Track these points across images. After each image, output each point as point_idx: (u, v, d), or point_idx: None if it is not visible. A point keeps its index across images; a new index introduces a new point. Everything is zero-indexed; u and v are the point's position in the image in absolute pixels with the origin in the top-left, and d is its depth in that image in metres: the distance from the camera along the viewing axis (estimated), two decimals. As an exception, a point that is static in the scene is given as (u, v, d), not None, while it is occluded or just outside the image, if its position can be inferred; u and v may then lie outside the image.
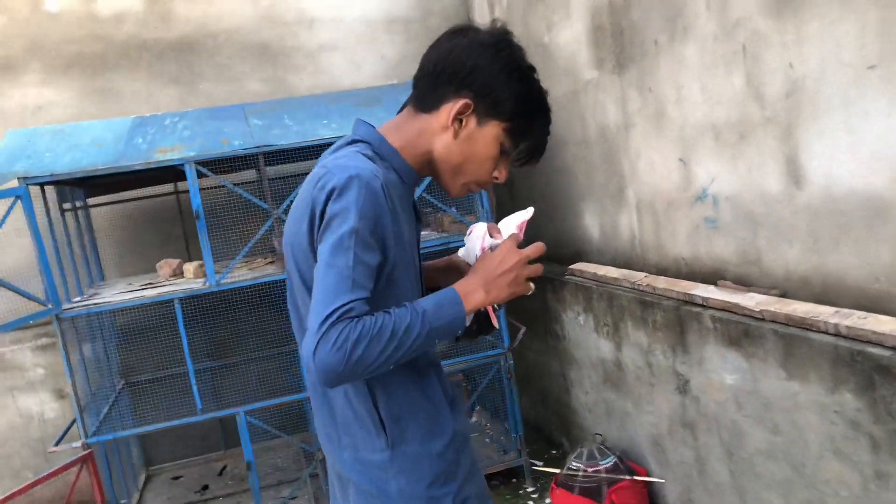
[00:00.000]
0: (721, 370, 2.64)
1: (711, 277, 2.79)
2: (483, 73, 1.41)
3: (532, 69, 1.47)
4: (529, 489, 3.83)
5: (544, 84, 1.50)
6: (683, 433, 2.95)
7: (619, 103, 3.21)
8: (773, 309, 2.36)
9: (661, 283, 3.00)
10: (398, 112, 1.54)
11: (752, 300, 2.48)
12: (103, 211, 4.41)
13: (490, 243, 1.51)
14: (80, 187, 4.16)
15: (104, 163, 3.34)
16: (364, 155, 1.39)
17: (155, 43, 4.49)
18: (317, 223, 1.33)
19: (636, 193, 3.22)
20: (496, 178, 1.52)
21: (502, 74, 1.41)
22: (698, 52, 2.63)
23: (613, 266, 3.48)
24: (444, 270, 1.70)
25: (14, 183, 3.26)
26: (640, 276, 3.18)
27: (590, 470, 3.21)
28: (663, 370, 3.02)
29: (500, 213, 4.78)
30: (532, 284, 1.45)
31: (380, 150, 1.45)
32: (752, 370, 2.47)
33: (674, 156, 2.88)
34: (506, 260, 1.39)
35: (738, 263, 2.64)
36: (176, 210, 4.53)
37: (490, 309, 1.52)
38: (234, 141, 3.49)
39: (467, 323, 1.55)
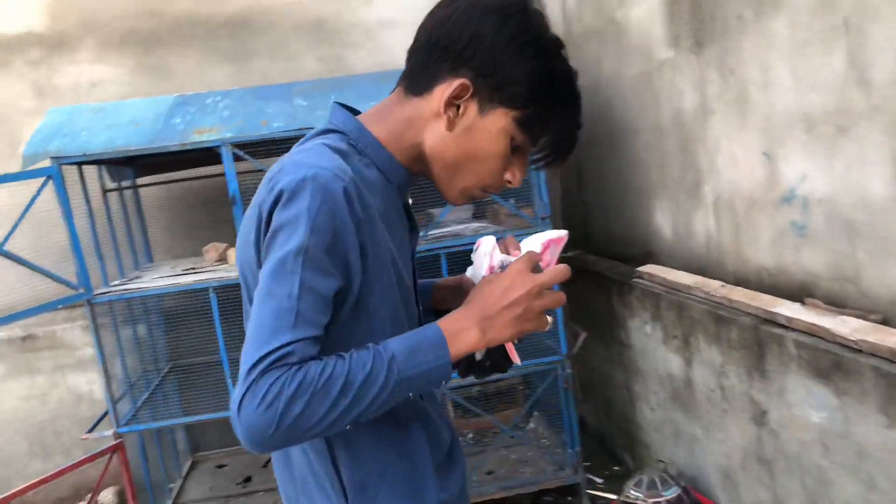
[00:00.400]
0: (805, 405, 2.23)
1: (798, 293, 2.38)
2: (485, 45, 1.08)
3: (556, 43, 1.12)
4: (584, 510, 3.49)
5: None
6: (759, 470, 2.55)
7: (696, 86, 2.80)
8: (872, 339, 1.94)
9: (739, 295, 2.60)
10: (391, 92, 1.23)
11: (846, 325, 2.06)
12: (153, 191, 4.29)
13: (501, 261, 1.19)
14: (128, 167, 4.03)
15: (139, 143, 3.17)
16: (333, 149, 1.09)
17: (208, 19, 4.31)
18: (262, 235, 1.04)
19: (714, 190, 2.81)
20: (508, 182, 1.19)
21: (511, 48, 1.08)
22: (789, 27, 2.20)
23: (686, 271, 3.08)
24: (453, 291, 1.39)
25: (47, 162, 3.13)
26: (714, 286, 2.78)
27: (650, 501, 2.86)
28: (738, 395, 2.62)
29: (564, 206, 4.41)
30: (550, 318, 1.12)
31: (358, 143, 1.15)
32: (843, 410, 2.06)
33: (758, 149, 2.46)
34: (513, 288, 1.06)
35: (831, 279, 2.22)
36: (226, 192, 4.36)
37: (509, 343, 1.18)
38: (275, 122, 3.26)
39: (479, 357, 1.23)
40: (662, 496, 2.85)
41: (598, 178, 4.00)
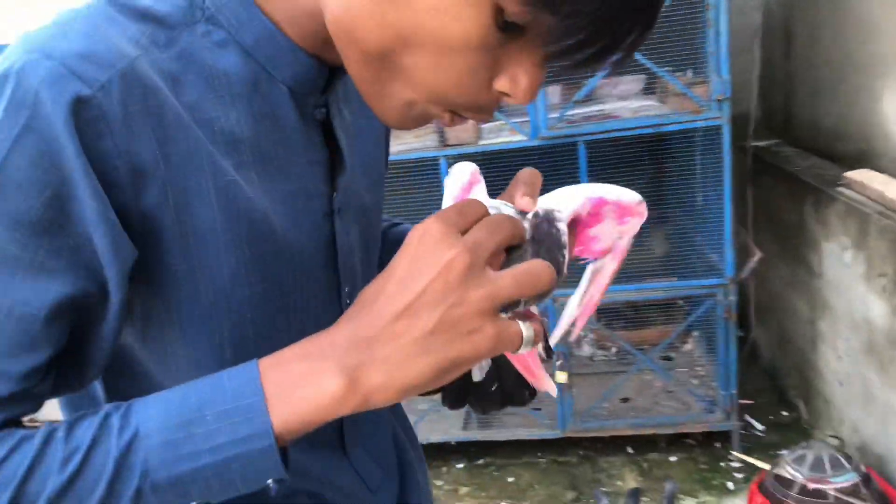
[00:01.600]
0: None
1: None
2: None
3: None
4: (734, 464, 2.86)
5: None
6: (978, 482, 1.80)
7: None
8: None
9: None
10: None
11: None
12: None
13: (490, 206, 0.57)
14: None
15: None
16: (131, 10, 0.53)
17: None
18: None
19: (976, 72, 1.89)
20: (504, 95, 0.53)
21: None
22: None
23: (914, 185, 2.21)
24: None
25: None
26: (953, 214, 1.92)
27: (811, 485, 2.18)
28: (962, 376, 1.83)
29: (763, 80, 3.45)
30: (524, 327, 0.49)
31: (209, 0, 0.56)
32: None
33: None
34: (417, 271, 0.47)
35: None
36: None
37: (524, 359, 0.64)
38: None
39: (478, 377, 0.67)
40: (831, 482, 2.16)
41: (809, 43, 3.03)
